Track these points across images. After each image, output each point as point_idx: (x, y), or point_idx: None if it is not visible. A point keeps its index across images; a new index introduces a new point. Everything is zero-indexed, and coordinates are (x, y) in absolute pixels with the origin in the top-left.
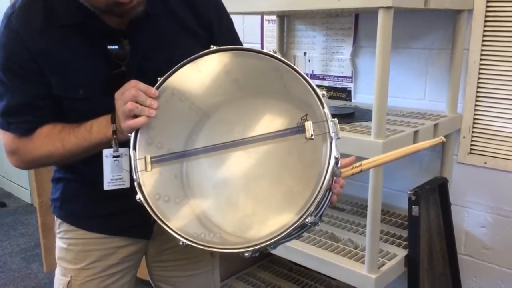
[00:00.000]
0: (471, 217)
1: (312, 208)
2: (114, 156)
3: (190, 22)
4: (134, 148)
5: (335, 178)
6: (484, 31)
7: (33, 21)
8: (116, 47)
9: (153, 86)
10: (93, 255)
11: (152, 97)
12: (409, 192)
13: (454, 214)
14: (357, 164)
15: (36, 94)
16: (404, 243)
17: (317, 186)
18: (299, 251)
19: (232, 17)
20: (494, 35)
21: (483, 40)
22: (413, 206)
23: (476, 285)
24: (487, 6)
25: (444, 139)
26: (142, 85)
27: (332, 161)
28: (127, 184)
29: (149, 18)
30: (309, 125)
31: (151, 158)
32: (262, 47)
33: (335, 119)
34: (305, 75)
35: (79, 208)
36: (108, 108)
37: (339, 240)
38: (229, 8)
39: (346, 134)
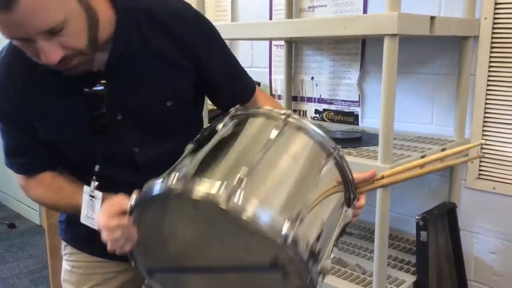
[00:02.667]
0: (480, 243)
1: None
2: (90, 195)
3: (172, 55)
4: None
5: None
6: (491, 57)
7: (14, 73)
8: (93, 89)
9: (143, 123)
10: (94, 279)
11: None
12: (417, 217)
13: (463, 239)
14: (379, 176)
15: (26, 138)
16: (413, 269)
17: None
18: None
19: (241, 42)
20: (501, 60)
21: (490, 66)
22: (421, 232)
23: None
24: (493, 33)
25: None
26: (112, 210)
27: None
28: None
29: (126, 58)
30: None
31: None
32: (270, 72)
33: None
34: None
35: (82, 231)
36: (94, 146)
37: (347, 265)
38: (237, 34)
39: (352, 158)
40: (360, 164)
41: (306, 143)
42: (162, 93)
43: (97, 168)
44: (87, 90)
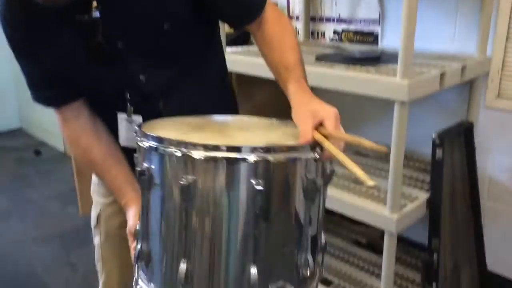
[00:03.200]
0: (495, 162)
1: None
2: (127, 120)
3: None
4: None
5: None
6: None
7: (14, 8)
8: (86, 16)
9: (145, 50)
10: None
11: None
12: (433, 135)
13: (479, 159)
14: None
15: (44, 70)
16: (427, 186)
17: None
18: None
19: None
20: None
21: None
22: (437, 149)
23: (498, 230)
24: None
25: (385, 150)
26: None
27: None
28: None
29: None
30: None
31: None
32: None
33: None
34: None
35: None
36: (102, 77)
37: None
38: None
39: (371, 76)
40: (379, 81)
41: None
42: (158, 14)
43: (128, 95)
44: (79, 17)
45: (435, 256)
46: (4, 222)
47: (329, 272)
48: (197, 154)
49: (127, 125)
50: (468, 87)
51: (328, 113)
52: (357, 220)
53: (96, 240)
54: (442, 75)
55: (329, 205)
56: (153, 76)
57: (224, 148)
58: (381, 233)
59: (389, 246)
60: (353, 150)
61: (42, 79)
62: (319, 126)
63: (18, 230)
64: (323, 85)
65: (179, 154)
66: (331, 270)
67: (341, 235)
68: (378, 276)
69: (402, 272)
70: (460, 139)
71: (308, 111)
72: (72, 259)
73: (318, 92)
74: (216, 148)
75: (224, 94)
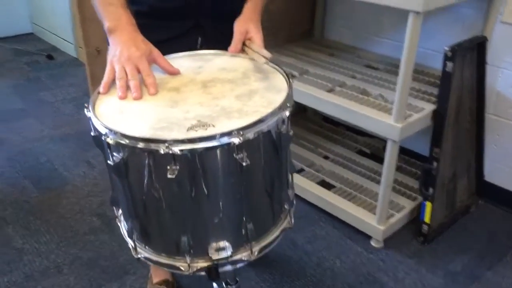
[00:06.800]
0: (505, 77)
1: None
2: None
3: None
4: None
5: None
6: None
7: None
8: None
9: None
10: None
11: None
12: (445, 48)
13: (489, 74)
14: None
15: None
16: (434, 99)
17: None
18: (330, 103)
19: None
20: None
21: None
22: (447, 62)
23: (498, 141)
24: None
25: (268, 56)
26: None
27: None
28: None
29: None
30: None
31: None
32: None
33: None
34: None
35: None
36: None
37: (370, 95)
38: None
39: None
40: None
41: None
42: None
43: None
44: None
45: (434, 164)
46: (20, 121)
47: (331, 178)
48: (176, 149)
49: None
50: (486, 1)
51: (256, 33)
52: (362, 129)
53: None
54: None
55: (336, 113)
56: None
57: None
58: (386, 144)
59: (391, 153)
60: (363, 63)
61: None
62: (248, 40)
63: (35, 129)
64: None
65: (162, 152)
66: (333, 176)
67: (345, 145)
68: (379, 182)
69: (401, 179)
70: (473, 54)
71: (244, 27)
72: (89, 157)
73: (334, 1)
74: (204, 139)
75: None
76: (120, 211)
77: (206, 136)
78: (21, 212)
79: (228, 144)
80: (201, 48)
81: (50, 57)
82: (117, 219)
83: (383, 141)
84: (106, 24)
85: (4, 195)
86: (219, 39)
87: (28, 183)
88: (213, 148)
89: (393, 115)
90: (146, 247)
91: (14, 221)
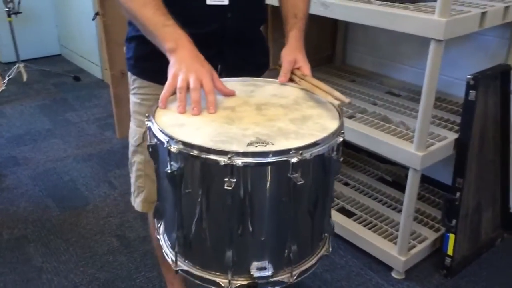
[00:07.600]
0: None
1: None
2: None
3: None
4: None
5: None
6: None
7: None
8: None
9: None
10: None
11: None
12: (468, 76)
13: None
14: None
15: None
16: (457, 128)
17: None
18: (351, 130)
19: None
20: None
21: None
22: (470, 91)
23: None
24: None
25: (347, 101)
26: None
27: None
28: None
29: None
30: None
31: None
32: None
33: None
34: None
35: (150, 64)
36: None
37: (391, 122)
38: None
39: (409, 13)
40: (416, 18)
41: None
42: None
43: None
44: None
45: (457, 194)
46: (46, 140)
47: (352, 205)
48: (239, 161)
49: None
50: (510, 29)
51: (305, 63)
52: (383, 156)
53: (139, 158)
54: (483, 14)
55: (357, 140)
56: None
57: (271, 154)
58: (408, 173)
59: (412, 182)
60: (385, 90)
61: None
62: (296, 69)
63: (59, 148)
64: (360, 21)
65: (222, 163)
66: (354, 203)
67: (367, 172)
68: (400, 211)
69: (424, 209)
70: (496, 82)
71: (293, 56)
72: (110, 178)
73: (356, 27)
74: (264, 154)
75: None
76: (162, 223)
77: (268, 151)
78: (43, 231)
79: (286, 162)
80: (221, 75)
81: (77, 78)
82: (156, 232)
83: (405, 169)
84: (167, 45)
85: (28, 213)
86: (240, 65)
87: (51, 202)
88: (272, 164)
89: (414, 143)
90: (186, 261)
91: (35, 240)
